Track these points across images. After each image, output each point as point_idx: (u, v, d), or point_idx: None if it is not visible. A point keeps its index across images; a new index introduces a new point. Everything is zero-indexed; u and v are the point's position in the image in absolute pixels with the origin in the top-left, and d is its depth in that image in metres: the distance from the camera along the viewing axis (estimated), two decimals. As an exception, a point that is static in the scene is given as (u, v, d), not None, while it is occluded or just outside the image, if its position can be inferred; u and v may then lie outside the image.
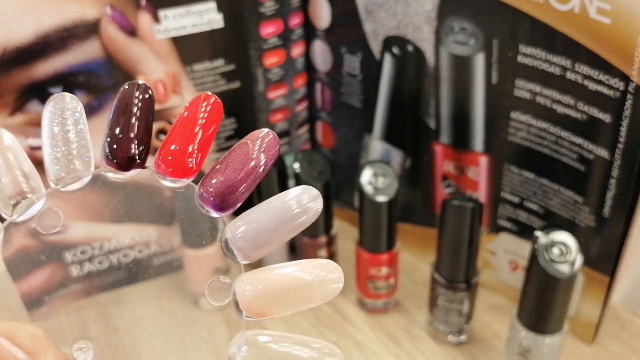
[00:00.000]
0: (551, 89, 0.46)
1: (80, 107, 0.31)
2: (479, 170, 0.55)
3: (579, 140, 0.47)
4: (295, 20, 0.58)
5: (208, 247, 0.55)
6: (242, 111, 0.58)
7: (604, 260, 0.49)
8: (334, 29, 0.58)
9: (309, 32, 0.60)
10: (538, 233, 0.44)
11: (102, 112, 0.52)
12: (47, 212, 0.30)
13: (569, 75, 0.45)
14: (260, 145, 0.29)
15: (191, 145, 0.29)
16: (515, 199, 0.54)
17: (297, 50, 0.60)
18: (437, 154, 0.57)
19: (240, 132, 0.59)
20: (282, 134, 0.63)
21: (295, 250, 0.61)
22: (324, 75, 0.62)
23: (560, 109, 0.47)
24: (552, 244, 0.44)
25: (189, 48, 0.53)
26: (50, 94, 0.49)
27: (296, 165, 0.54)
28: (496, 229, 0.57)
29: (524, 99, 0.48)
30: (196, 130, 0.30)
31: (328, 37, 0.59)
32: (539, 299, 0.45)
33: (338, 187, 0.68)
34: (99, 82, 0.50)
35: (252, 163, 0.29)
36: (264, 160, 0.29)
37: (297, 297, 0.28)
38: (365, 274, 0.56)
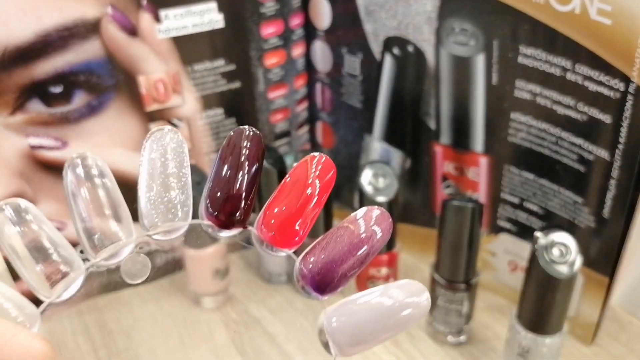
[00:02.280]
0: (551, 90, 0.47)
1: (184, 145, 0.28)
2: (479, 171, 0.55)
3: (579, 141, 0.47)
4: (296, 21, 0.58)
5: (208, 248, 0.55)
6: (242, 111, 0.58)
7: (603, 261, 0.49)
8: (335, 30, 0.58)
9: (310, 32, 0.60)
10: (538, 234, 0.45)
11: (103, 111, 0.52)
12: (134, 258, 0.28)
13: (570, 76, 0.45)
14: (368, 222, 0.27)
15: (297, 211, 0.27)
16: (515, 200, 0.54)
17: (297, 51, 0.60)
18: (437, 155, 0.57)
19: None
20: (282, 134, 0.63)
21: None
22: (324, 75, 0.62)
23: (560, 110, 0.47)
24: (552, 244, 0.44)
25: (189, 48, 0.53)
26: (50, 93, 0.49)
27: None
28: (496, 229, 0.57)
29: (524, 99, 0.48)
30: (305, 194, 0.27)
31: (328, 38, 0.59)
32: (538, 299, 0.45)
33: (338, 187, 0.67)
34: (100, 82, 0.50)
35: (363, 244, 0.26)
36: (380, 232, 0.27)
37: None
38: (365, 274, 0.56)
